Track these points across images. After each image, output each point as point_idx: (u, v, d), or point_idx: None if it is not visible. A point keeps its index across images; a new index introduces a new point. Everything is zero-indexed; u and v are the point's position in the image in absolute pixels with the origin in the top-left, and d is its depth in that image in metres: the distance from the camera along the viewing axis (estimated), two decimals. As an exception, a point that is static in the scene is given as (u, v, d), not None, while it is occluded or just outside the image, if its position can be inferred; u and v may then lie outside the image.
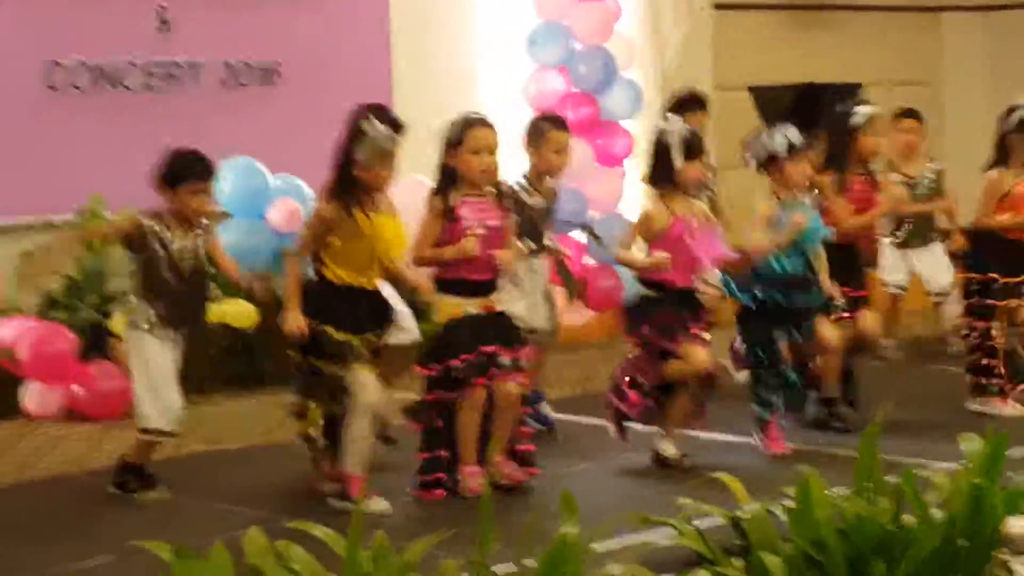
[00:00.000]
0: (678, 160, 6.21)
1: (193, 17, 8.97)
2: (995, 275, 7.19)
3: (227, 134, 8.54)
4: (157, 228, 5.98)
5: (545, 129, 6.75)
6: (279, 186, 8.59)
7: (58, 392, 7.83)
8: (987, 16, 13.20)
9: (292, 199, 8.46)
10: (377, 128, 5.68)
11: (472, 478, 5.86)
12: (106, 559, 5.23)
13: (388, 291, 6.43)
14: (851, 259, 7.08)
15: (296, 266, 5.85)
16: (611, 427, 6.45)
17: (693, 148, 6.25)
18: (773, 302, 6.54)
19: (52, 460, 6.95)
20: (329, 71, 9.36)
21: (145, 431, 6.07)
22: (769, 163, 6.56)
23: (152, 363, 6.00)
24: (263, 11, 9.21)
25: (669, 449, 6.36)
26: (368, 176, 5.71)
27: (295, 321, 5.74)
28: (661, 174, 6.30)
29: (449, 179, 5.93)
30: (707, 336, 6.32)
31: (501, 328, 5.99)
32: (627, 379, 6.36)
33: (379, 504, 5.68)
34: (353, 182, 5.72)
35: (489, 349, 5.88)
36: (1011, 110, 7.21)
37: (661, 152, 6.28)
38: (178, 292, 5.99)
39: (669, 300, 6.26)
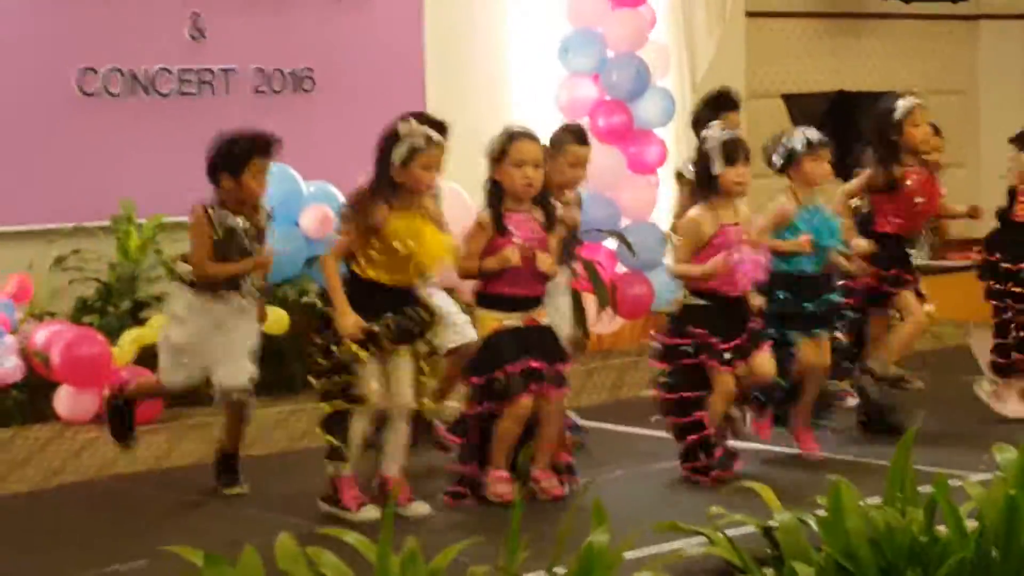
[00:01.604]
0: (718, 166, 6.19)
1: (227, 24, 9.01)
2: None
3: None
4: (215, 218, 6.03)
5: (565, 141, 6.53)
6: (312, 193, 8.61)
7: (90, 397, 7.87)
8: (1026, 24, 13.14)
9: (325, 206, 8.47)
10: (413, 127, 5.65)
11: (499, 483, 5.85)
12: (137, 564, 5.24)
13: (442, 296, 6.44)
14: (898, 246, 7.04)
15: (335, 268, 5.74)
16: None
17: (734, 153, 6.20)
18: (780, 302, 6.48)
19: (83, 464, 6.98)
20: (362, 78, 9.38)
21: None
22: (789, 162, 6.54)
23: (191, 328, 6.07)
24: (296, 18, 9.24)
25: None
26: (406, 178, 5.65)
27: (350, 320, 5.62)
28: (703, 181, 6.28)
29: (495, 193, 5.91)
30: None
31: (544, 341, 5.96)
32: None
33: (420, 507, 5.69)
34: (392, 185, 5.67)
35: (535, 363, 5.86)
36: None
37: (702, 160, 6.25)
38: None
39: (717, 308, 6.21)
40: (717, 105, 7.45)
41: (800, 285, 6.52)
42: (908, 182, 6.96)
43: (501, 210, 5.90)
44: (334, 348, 5.67)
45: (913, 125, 6.91)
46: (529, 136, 5.92)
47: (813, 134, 6.60)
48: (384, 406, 5.73)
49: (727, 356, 6.17)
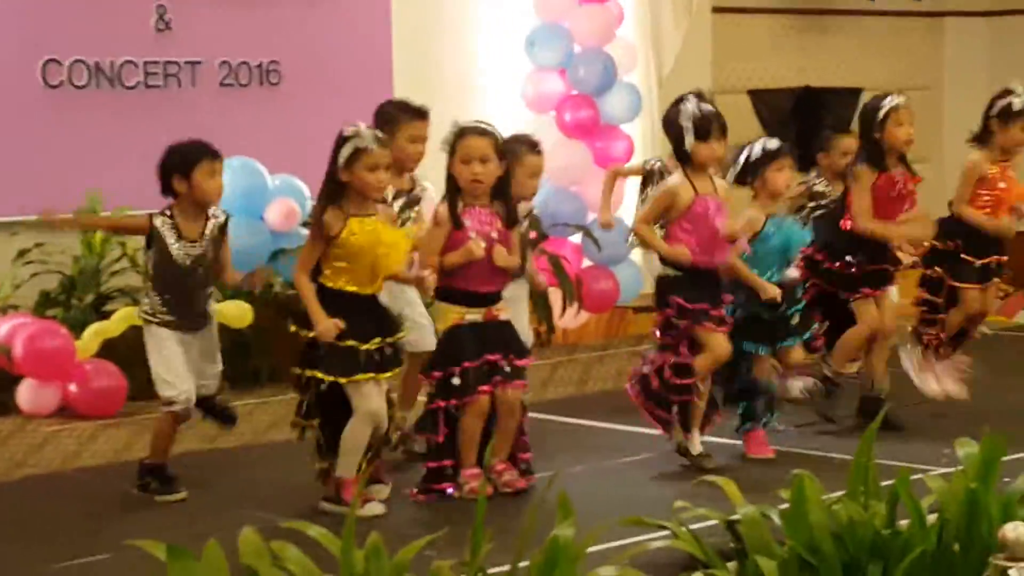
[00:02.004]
0: (689, 139, 6.20)
1: (193, 16, 8.98)
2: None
3: (226, 134, 8.42)
4: (164, 225, 6.00)
5: (520, 152, 6.36)
6: (278, 186, 8.58)
7: (53, 390, 7.83)
8: (989, 21, 13.21)
9: (290, 199, 8.45)
10: (360, 129, 5.65)
11: (473, 480, 5.85)
12: (101, 558, 5.22)
13: (412, 296, 6.41)
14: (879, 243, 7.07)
15: (307, 282, 5.68)
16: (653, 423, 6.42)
17: (705, 128, 6.20)
18: (745, 311, 6.50)
19: (45, 458, 6.94)
20: (329, 71, 9.36)
21: (170, 403, 6.04)
22: (750, 172, 6.58)
23: (165, 351, 6.00)
24: (263, 11, 9.22)
25: (696, 447, 6.36)
26: (351, 179, 5.63)
27: (327, 324, 5.59)
28: (676, 152, 6.31)
29: (451, 189, 5.91)
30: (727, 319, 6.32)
31: (503, 336, 5.97)
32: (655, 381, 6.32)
33: (374, 508, 5.67)
34: (341, 187, 5.66)
35: (492, 357, 5.86)
36: (1002, 94, 7.25)
37: (675, 131, 6.25)
38: (183, 283, 6.01)
39: (690, 280, 6.24)
40: None
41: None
42: (891, 177, 6.96)
43: (459, 205, 5.89)
44: (328, 377, 5.62)
45: (896, 124, 6.92)
46: (478, 131, 5.88)
47: (772, 143, 6.63)
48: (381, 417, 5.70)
49: (714, 318, 6.22)
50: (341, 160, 5.61)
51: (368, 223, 5.65)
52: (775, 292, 6.43)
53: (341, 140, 5.65)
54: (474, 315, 5.91)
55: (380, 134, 5.71)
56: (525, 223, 6.35)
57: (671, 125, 6.32)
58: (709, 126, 6.21)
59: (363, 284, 5.67)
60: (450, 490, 5.89)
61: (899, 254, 7.28)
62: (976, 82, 12.93)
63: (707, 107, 6.25)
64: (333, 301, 5.64)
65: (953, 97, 13.12)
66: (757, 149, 6.58)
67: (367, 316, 5.68)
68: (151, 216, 6.05)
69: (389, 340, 5.71)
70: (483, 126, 5.95)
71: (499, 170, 5.92)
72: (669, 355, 6.27)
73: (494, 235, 5.89)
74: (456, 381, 5.84)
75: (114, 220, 6.29)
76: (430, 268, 5.85)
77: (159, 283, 6.03)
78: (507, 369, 5.89)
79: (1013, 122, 7.21)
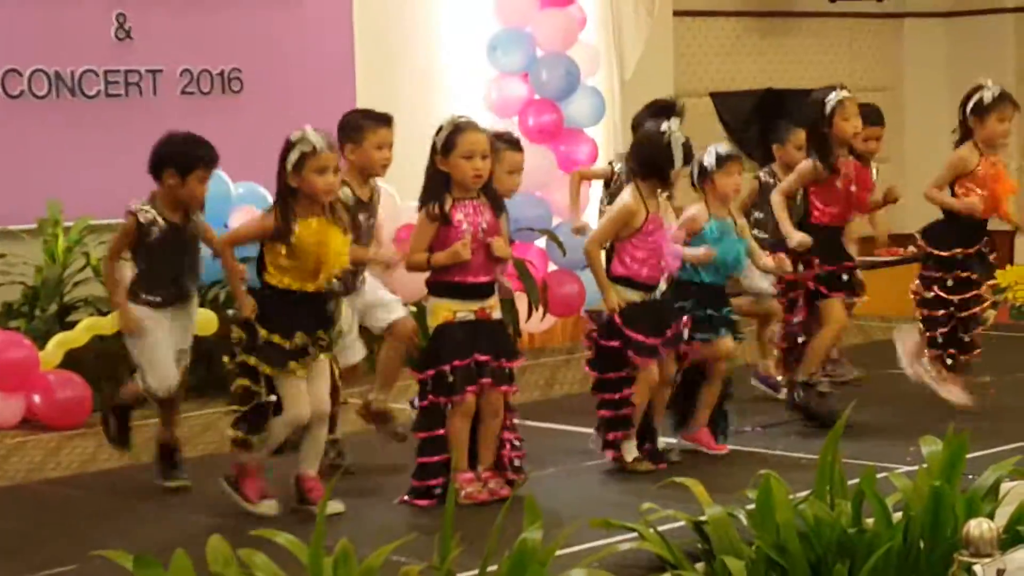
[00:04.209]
0: (678, 163, 6.26)
1: (153, 24, 8.94)
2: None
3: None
4: (152, 215, 6.08)
5: (500, 148, 6.44)
6: (241, 194, 8.56)
7: (16, 401, 7.79)
8: (948, 21, 13.31)
9: (254, 207, 8.42)
10: (305, 133, 5.70)
11: (467, 485, 5.85)
12: (67, 569, 5.18)
13: (371, 280, 6.46)
14: (833, 237, 7.12)
15: (231, 255, 5.87)
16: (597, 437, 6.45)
17: (689, 156, 6.32)
18: (691, 313, 6.53)
19: (10, 469, 6.90)
20: (291, 78, 9.35)
21: (145, 389, 6.24)
22: (702, 177, 6.65)
23: (149, 338, 6.10)
24: (224, 18, 9.19)
25: (630, 453, 6.38)
26: (300, 183, 5.69)
27: (248, 302, 5.76)
28: (657, 170, 6.32)
29: (441, 184, 5.93)
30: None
31: (495, 336, 5.97)
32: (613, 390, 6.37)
33: (334, 506, 5.68)
34: (289, 191, 5.72)
35: (482, 357, 5.87)
36: (973, 90, 7.29)
37: (663, 149, 6.26)
38: (171, 270, 6.13)
39: (631, 311, 6.27)
40: (659, 114, 7.51)
41: (702, 293, 6.60)
42: (842, 171, 7.03)
43: (449, 200, 5.90)
44: (263, 367, 5.70)
45: (843, 118, 6.98)
46: (475, 127, 5.94)
47: (723, 149, 6.74)
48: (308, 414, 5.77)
49: (654, 348, 6.26)
50: (289, 165, 5.69)
51: (314, 223, 5.71)
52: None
53: (288, 145, 5.72)
54: (466, 313, 5.91)
55: (328, 136, 5.79)
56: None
57: (655, 141, 6.31)
58: (688, 153, 6.29)
59: (305, 281, 5.74)
60: (439, 490, 5.84)
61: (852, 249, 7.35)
62: (935, 82, 13.06)
63: (684, 136, 6.32)
64: (276, 298, 5.73)
65: (913, 97, 13.23)
66: (710, 153, 6.67)
67: (306, 312, 5.75)
68: (132, 214, 6.09)
69: (321, 335, 5.78)
70: (477, 122, 6.01)
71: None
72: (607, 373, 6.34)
73: (484, 226, 5.91)
74: (444, 380, 5.84)
75: (108, 262, 6.28)
76: (415, 263, 5.89)
77: (147, 274, 6.11)
78: (496, 370, 5.90)
79: (988, 114, 7.24)
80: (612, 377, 6.31)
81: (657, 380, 6.35)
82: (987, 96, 7.25)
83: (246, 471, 5.82)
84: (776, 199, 7.14)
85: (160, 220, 6.10)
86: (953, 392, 7.32)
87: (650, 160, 6.32)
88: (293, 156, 5.68)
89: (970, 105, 7.27)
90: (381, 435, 6.66)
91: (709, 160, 6.65)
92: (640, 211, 6.30)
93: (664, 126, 6.28)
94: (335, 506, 5.69)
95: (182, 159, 6.08)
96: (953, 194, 7.31)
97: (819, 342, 7.10)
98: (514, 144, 6.58)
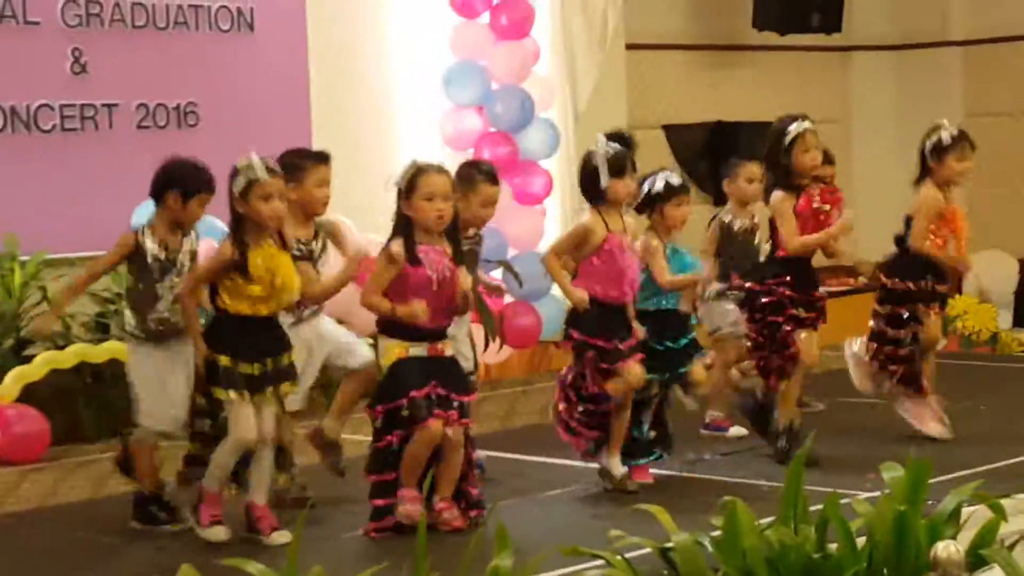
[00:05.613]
0: (604, 178, 6.31)
1: (108, 59, 8.92)
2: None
3: (144, 176, 8.32)
4: (149, 240, 6.10)
5: (478, 180, 6.53)
6: (199, 227, 8.52)
7: (-25, 436, 7.73)
8: (896, 55, 13.49)
9: (212, 240, 8.40)
10: (251, 161, 5.77)
11: (408, 501, 5.82)
12: (31, 603, 5.17)
13: (329, 321, 6.45)
14: (805, 268, 7.12)
15: (193, 304, 5.91)
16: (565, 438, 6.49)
17: (619, 166, 6.35)
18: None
19: (-30, 505, 6.86)
20: (247, 111, 9.34)
21: (135, 425, 6.15)
22: (650, 205, 6.71)
23: (145, 370, 6.08)
24: (179, 52, 9.18)
25: (616, 468, 6.41)
26: (247, 210, 5.76)
27: (202, 347, 5.84)
28: (591, 192, 6.41)
29: (405, 226, 5.94)
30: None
31: (449, 372, 5.99)
32: (569, 404, 6.41)
33: (281, 536, 5.72)
34: (239, 219, 5.79)
35: (440, 390, 5.87)
36: (932, 131, 7.36)
37: (589, 171, 6.38)
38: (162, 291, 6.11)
39: (598, 314, 6.34)
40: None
41: (660, 322, 6.64)
42: (807, 199, 7.01)
43: (413, 242, 5.92)
44: (216, 390, 5.78)
45: (803, 151, 6.94)
46: (437, 169, 5.96)
47: (674, 179, 6.78)
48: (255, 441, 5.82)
49: (623, 352, 6.32)
50: (236, 192, 5.76)
51: (266, 250, 5.78)
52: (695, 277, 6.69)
53: (234, 172, 5.79)
54: (418, 349, 5.92)
55: (272, 163, 5.86)
56: (479, 249, 6.62)
57: (583, 166, 6.45)
58: (623, 163, 6.36)
59: (258, 307, 5.79)
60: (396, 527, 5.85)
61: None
62: (884, 115, 13.22)
63: (616, 145, 6.38)
64: (229, 323, 5.79)
65: (861, 129, 13.37)
66: (659, 183, 6.72)
67: (259, 337, 5.82)
68: (134, 233, 6.13)
69: (275, 361, 5.83)
70: (439, 164, 6.03)
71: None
72: (581, 382, 6.37)
73: (447, 273, 5.93)
74: (405, 412, 5.84)
75: (92, 268, 6.22)
76: (374, 305, 5.90)
77: (139, 295, 6.08)
78: (453, 404, 5.91)
79: (946, 155, 7.29)
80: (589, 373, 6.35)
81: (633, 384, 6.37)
82: (945, 137, 7.31)
83: (203, 495, 5.87)
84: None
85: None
86: (928, 426, 7.39)
87: (583, 183, 6.45)
88: (239, 183, 5.77)
89: (928, 145, 7.33)
90: (323, 465, 6.56)
91: (659, 187, 6.71)
92: (598, 230, 6.35)
93: (592, 147, 6.38)
94: (281, 537, 5.72)
95: (189, 183, 6.10)
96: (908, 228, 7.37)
97: (792, 386, 7.06)
98: (491, 177, 6.61)
